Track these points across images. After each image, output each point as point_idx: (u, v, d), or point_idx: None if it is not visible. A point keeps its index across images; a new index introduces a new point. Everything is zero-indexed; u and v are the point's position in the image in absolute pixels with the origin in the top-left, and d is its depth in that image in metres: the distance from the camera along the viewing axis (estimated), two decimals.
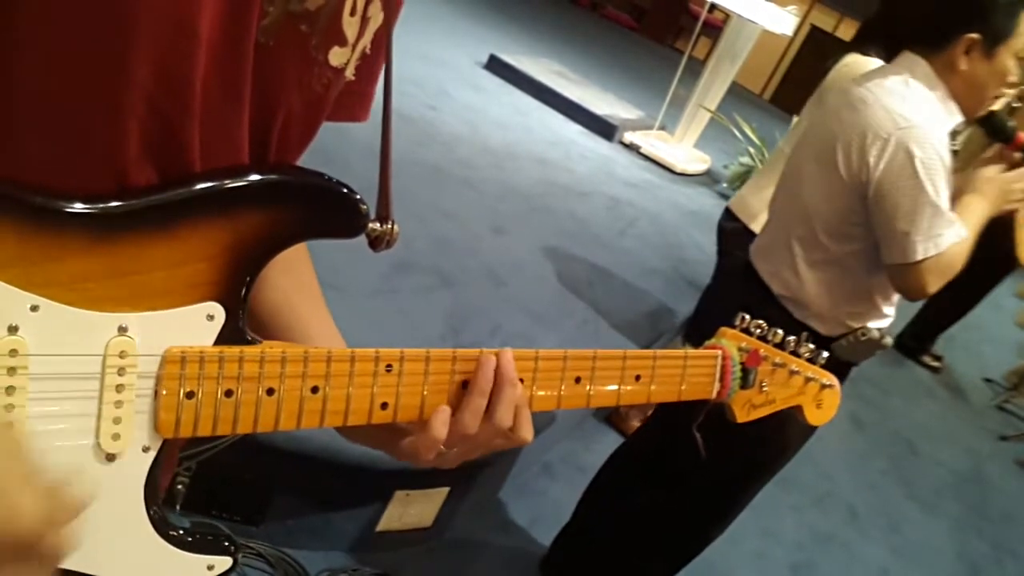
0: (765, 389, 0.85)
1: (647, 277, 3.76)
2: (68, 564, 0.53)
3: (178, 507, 1.68)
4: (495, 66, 6.27)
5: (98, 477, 0.54)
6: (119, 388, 0.53)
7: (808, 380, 0.88)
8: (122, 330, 0.52)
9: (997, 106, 1.61)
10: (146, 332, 0.53)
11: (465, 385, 0.65)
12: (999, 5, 1.49)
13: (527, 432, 0.66)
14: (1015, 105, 2.02)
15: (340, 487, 1.99)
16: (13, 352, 0.49)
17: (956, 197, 1.57)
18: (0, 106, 0.47)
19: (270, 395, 0.58)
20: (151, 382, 0.54)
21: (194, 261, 0.54)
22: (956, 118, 1.57)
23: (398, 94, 0.68)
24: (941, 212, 1.49)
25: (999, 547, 3.48)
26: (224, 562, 0.61)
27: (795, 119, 2.90)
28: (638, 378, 0.74)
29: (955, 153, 1.75)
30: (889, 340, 1.67)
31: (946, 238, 1.50)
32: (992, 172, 1.61)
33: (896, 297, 1.68)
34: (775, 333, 0.85)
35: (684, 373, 0.78)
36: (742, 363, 0.82)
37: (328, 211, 0.59)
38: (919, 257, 1.50)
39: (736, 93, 7.70)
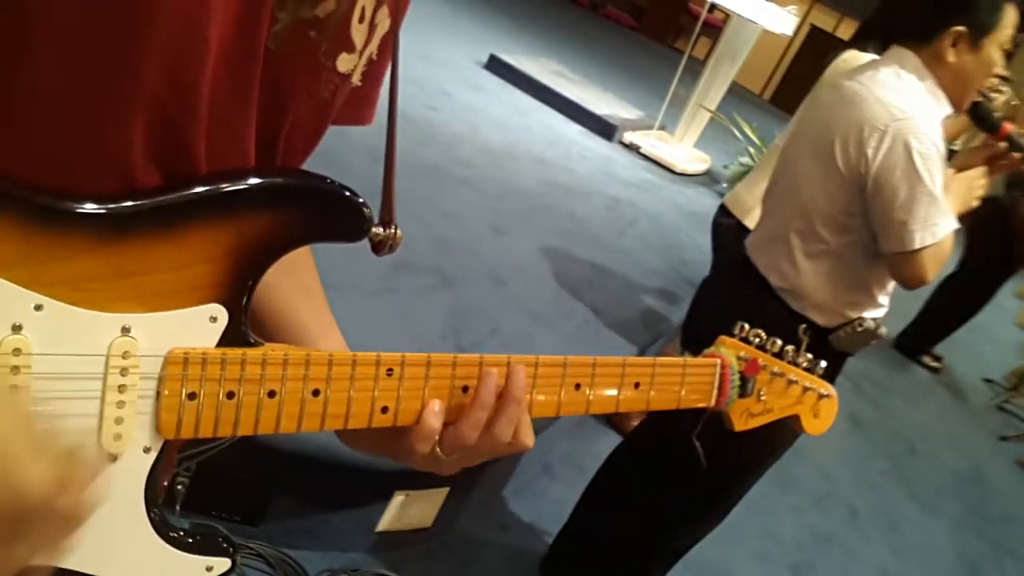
0: (763, 398, 0.85)
1: (647, 277, 3.76)
2: (68, 564, 0.54)
3: (178, 507, 1.68)
4: (495, 66, 6.28)
5: (99, 477, 0.54)
6: (121, 388, 0.53)
7: (806, 390, 0.88)
8: (125, 331, 0.52)
9: (995, 104, 1.65)
10: (149, 333, 0.53)
11: (466, 390, 0.65)
12: None
13: (528, 438, 0.67)
14: (1014, 102, 2.02)
15: (340, 487, 1.99)
16: (16, 351, 0.49)
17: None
18: (9, 106, 0.47)
19: (271, 397, 0.58)
20: (153, 383, 0.54)
21: (198, 263, 0.54)
22: (945, 109, 1.60)
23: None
24: (937, 202, 1.52)
25: (999, 547, 3.48)
26: (223, 563, 0.61)
27: None
28: (637, 385, 0.74)
29: (953, 152, 1.77)
30: (885, 330, 1.70)
31: (942, 227, 1.54)
32: (949, 175, 1.65)
33: (891, 288, 1.71)
34: (774, 342, 0.85)
35: (683, 381, 0.78)
36: (740, 372, 0.82)
37: (331, 215, 0.59)
38: (916, 246, 1.53)
39: (736, 93, 7.70)
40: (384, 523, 2.08)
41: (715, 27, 9.30)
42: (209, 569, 0.60)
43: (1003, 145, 1.65)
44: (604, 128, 5.90)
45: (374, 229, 0.62)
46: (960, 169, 1.69)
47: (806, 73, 2.04)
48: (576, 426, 2.83)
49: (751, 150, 5.53)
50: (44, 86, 0.47)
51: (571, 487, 2.23)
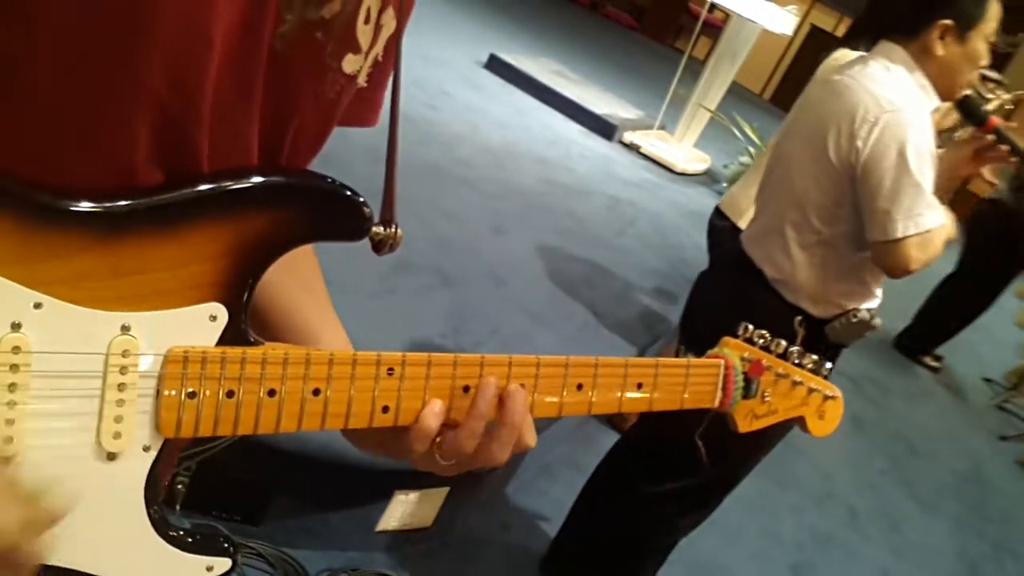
0: (768, 399, 0.85)
1: (647, 277, 3.76)
2: (67, 562, 0.54)
3: (178, 507, 1.68)
4: (495, 66, 6.28)
5: (98, 476, 0.54)
6: (121, 387, 0.53)
7: (811, 391, 0.87)
8: (125, 329, 0.52)
9: (990, 107, 1.67)
10: (149, 332, 0.53)
11: (467, 390, 0.65)
12: None
13: (530, 438, 0.67)
14: (1008, 107, 2.03)
15: (340, 487, 1.99)
16: (16, 349, 0.49)
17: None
18: (11, 105, 0.47)
19: (271, 396, 0.57)
20: (153, 382, 0.54)
21: (198, 262, 0.54)
22: (934, 101, 1.64)
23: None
24: (923, 193, 1.54)
25: (999, 547, 3.48)
26: (223, 563, 0.61)
27: None
28: (640, 386, 0.74)
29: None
30: (879, 321, 1.72)
31: (927, 219, 1.55)
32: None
33: (883, 277, 1.73)
34: (778, 343, 0.85)
35: (686, 382, 0.77)
36: (744, 373, 0.82)
37: (332, 214, 0.59)
38: (899, 235, 1.55)
39: (736, 93, 7.70)
40: (384, 523, 2.08)
41: (715, 27, 9.30)
42: (210, 569, 0.60)
43: (990, 138, 1.67)
44: (604, 128, 5.90)
45: (374, 228, 0.62)
46: (949, 164, 1.72)
47: (806, 73, 2.04)
48: (576, 427, 2.83)
49: (751, 150, 5.53)
50: (46, 85, 0.47)
51: (571, 487, 2.23)
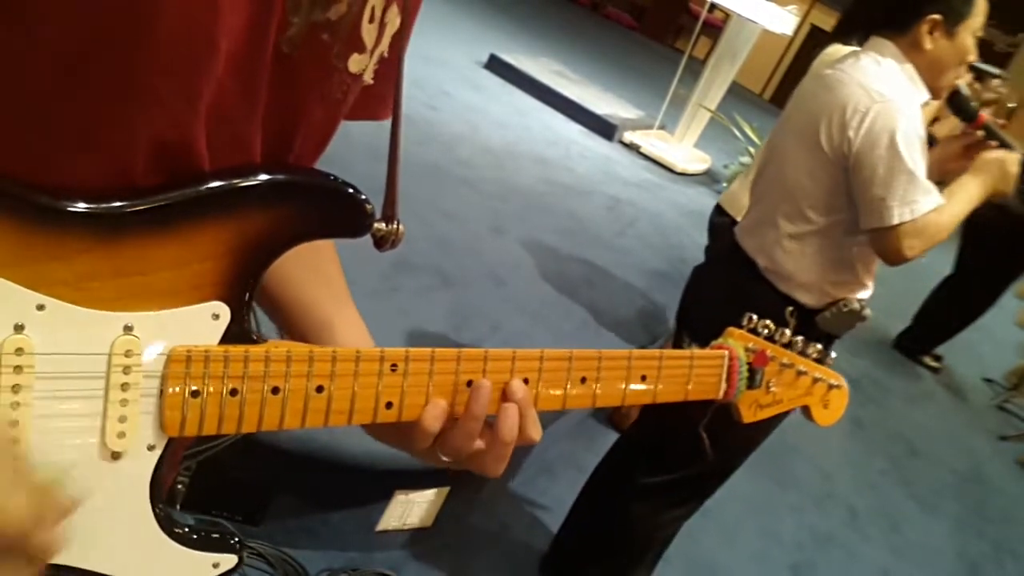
0: (772, 389, 0.85)
1: (647, 277, 3.76)
2: (75, 561, 0.54)
3: (178, 507, 1.68)
4: (495, 66, 6.28)
5: (103, 475, 0.54)
6: (124, 387, 0.53)
7: (816, 380, 0.88)
8: (128, 329, 0.52)
9: (990, 110, 1.69)
10: (151, 331, 0.53)
11: (470, 384, 0.65)
12: None
13: (535, 432, 0.66)
14: (1011, 104, 2.04)
15: (340, 487, 1.99)
16: (19, 351, 0.49)
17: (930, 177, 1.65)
18: (11, 106, 0.47)
19: (275, 394, 0.58)
20: (156, 381, 0.54)
21: (199, 261, 0.54)
22: (923, 94, 1.67)
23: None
24: (916, 179, 1.57)
25: (999, 547, 3.48)
26: (229, 560, 0.61)
27: None
28: (644, 378, 0.74)
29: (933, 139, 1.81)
30: (870, 312, 1.74)
31: (922, 204, 1.57)
32: (995, 154, 1.69)
33: (875, 268, 1.75)
34: (782, 333, 0.85)
35: (691, 373, 0.77)
36: (749, 363, 0.82)
37: (333, 211, 0.59)
38: (895, 221, 1.57)
39: (736, 93, 7.70)
40: (384, 523, 2.08)
41: (715, 27, 9.30)
42: (215, 566, 0.60)
43: (980, 134, 1.70)
44: (604, 128, 5.90)
45: (376, 224, 0.62)
46: (939, 158, 1.75)
47: (806, 73, 2.05)
48: (576, 426, 2.83)
49: (751, 150, 5.53)
50: (46, 86, 0.47)
51: (571, 486, 2.23)
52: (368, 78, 0.63)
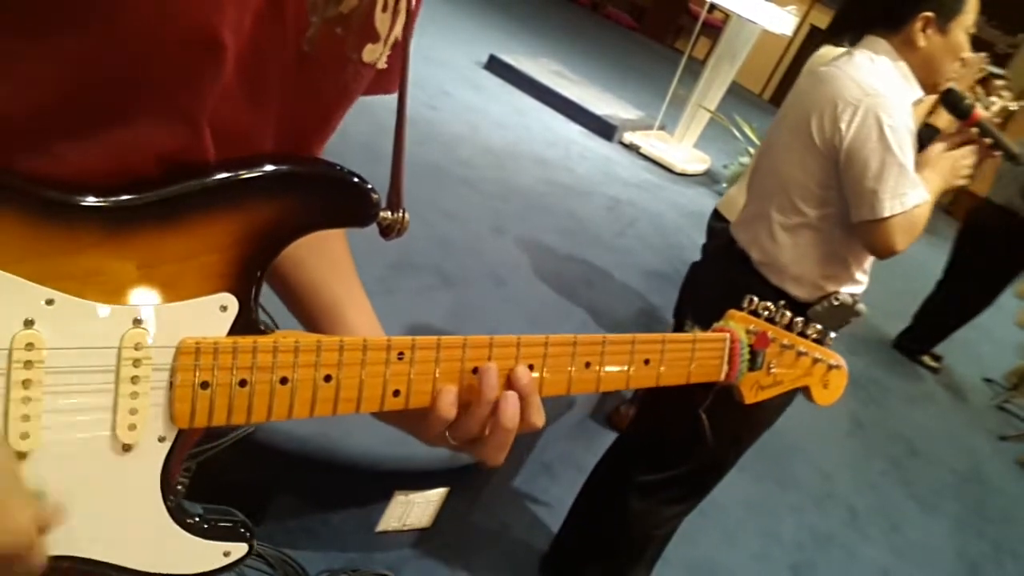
0: (773, 371, 0.86)
1: (646, 277, 3.76)
2: (88, 553, 0.54)
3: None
4: (495, 66, 6.28)
5: (115, 468, 0.54)
6: (134, 380, 0.53)
7: (816, 361, 0.89)
8: (137, 322, 0.53)
9: (994, 108, 1.69)
10: (160, 324, 0.54)
11: (476, 371, 0.65)
12: None
13: (538, 418, 0.67)
14: (1012, 107, 2.04)
15: (340, 487, 1.99)
16: (30, 346, 0.49)
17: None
18: (21, 105, 0.48)
19: (284, 384, 0.58)
20: (166, 373, 0.54)
21: (207, 253, 0.55)
22: (916, 91, 1.68)
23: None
24: (906, 172, 1.58)
25: (999, 547, 3.48)
26: (240, 548, 0.62)
27: None
28: (647, 362, 0.74)
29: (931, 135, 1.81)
30: (863, 307, 1.74)
31: (911, 197, 1.59)
32: (940, 148, 1.72)
33: (869, 265, 1.76)
34: (783, 315, 0.86)
35: (693, 356, 0.78)
36: (750, 345, 0.82)
37: (340, 200, 0.59)
38: (886, 214, 1.58)
39: (736, 93, 7.71)
40: (384, 523, 2.08)
41: (715, 27, 9.30)
42: (227, 554, 0.61)
43: (974, 131, 1.70)
44: (604, 128, 5.90)
45: (382, 213, 0.62)
46: (933, 155, 1.75)
47: None
48: (576, 426, 2.83)
49: (751, 150, 5.53)
50: (54, 82, 0.47)
51: (571, 486, 2.23)
52: (381, 65, 0.63)
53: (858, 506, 3.31)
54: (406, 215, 0.64)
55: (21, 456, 0.50)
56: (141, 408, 0.54)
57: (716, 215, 2.71)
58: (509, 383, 0.66)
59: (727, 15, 6.15)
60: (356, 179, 0.59)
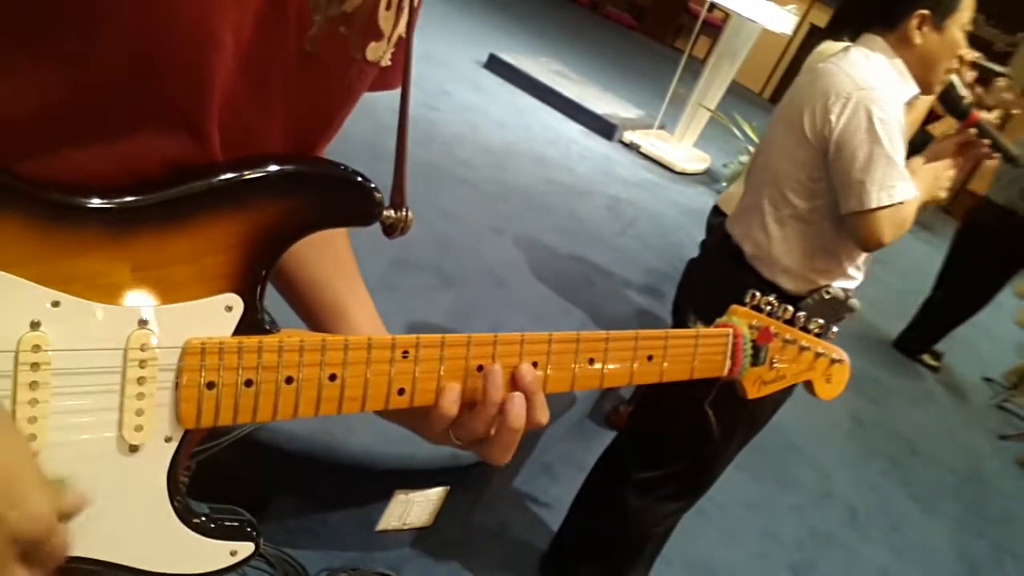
0: (776, 365, 0.86)
1: (647, 276, 3.76)
2: (96, 553, 0.54)
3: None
4: (495, 66, 6.27)
5: (122, 468, 0.54)
6: (140, 381, 0.53)
7: (818, 355, 0.89)
8: (142, 323, 0.53)
9: (994, 114, 1.70)
10: (166, 325, 0.54)
11: (481, 369, 0.65)
12: None
13: (542, 416, 0.67)
14: (1015, 111, 2.04)
15: (340, 487, 1.98)
16: (36, 348, 0.49)
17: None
18: (23, 106, 0.48)
19: (289, 383, 0.58)
20: (172, 374, 0.55)
21: (212, 253, 0.55)
22: (912, 89, 1.69)
23: (398, 94, 0.68)
24: (895, 165, 1.59)
25: (999, 547, 3.48)
26: (247, 547, 0.62)
27: None
28: (650, 358, 0.75)
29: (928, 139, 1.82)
30: (856, 302, 1.74)
31: (899, 190, 1.60)
32: (918, 163, 1.73)
33: (862, 260, 1.76)
34: (785, 310, 0.86)
35: (696, 352, 0.78)
36: (753, 341, 0.83)
37: (344, 200, 0.60)
38: (873, 205, 1.59)
39: (736, 92, 7.70)
40: (384, 523, 2.08)
41: (715, 26, 9.30)
42: (233, 553, 0.61)
43: (973, 131, 1.70)
44: (604, 127, 5.89)
45: (385, 212, 0.62)
46: (932, 157, 1.76)
47: None
48: (576, 426, 2.83)
49: (751, 149, 5.53)
50: (55, 84, 0.48)
51: (571, 486, 2.23)
52: (385, 63, 0.63)
53: (858, 506, 3.31)
54: (409, 214, 0.64)
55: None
56: (147, 409, 0.54)
57: (716, 211, 2.71)
58: (513, 380, 0.66)
59: (727, 14, 6.15)
60: (360, 178, 0.59)
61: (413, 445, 1.61)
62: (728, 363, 0.81)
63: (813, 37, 12.76)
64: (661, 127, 6.39)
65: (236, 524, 0.62)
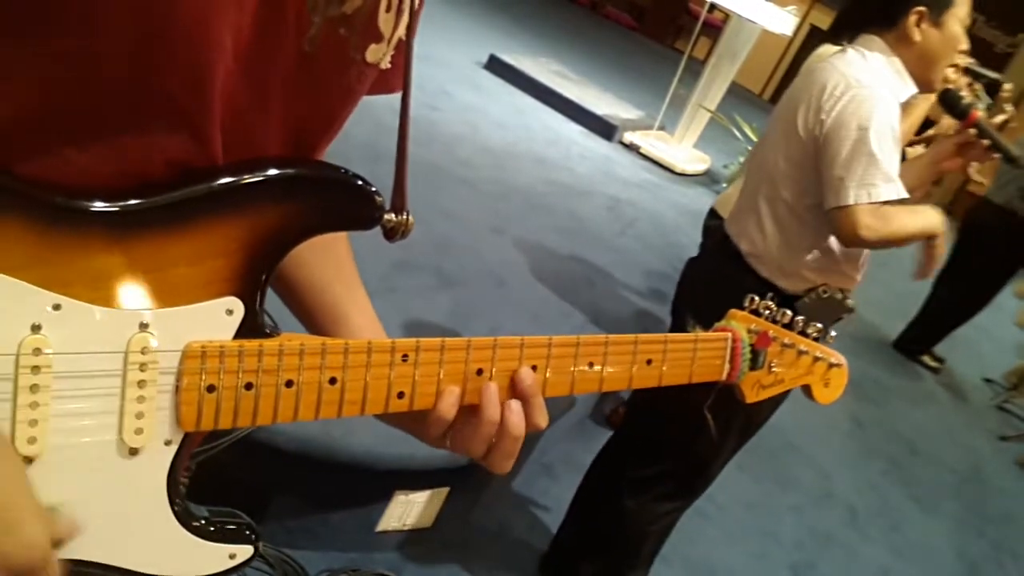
0: (774, 370, 0.86)
1: (647, 277, 3.76)
2: (95, 557, 0.54)
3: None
4: (495, 66, 6.28)
5: (122, 471, 0.54)
6: (141, 384, 0.53)
7: (816, 360, 0.89)
8: (143, 327, 0.53)
9: (998, 119, 1.70)
10: (166, 328, 0.54)
11: (480, 373, 0.65)
12: None
13: (541, 419, 0.67)
14: (1013, 125, 2.04)
15: (340, 487, 1.99)
16: (37, 351, 0.49)
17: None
18: (23, 106, 0.48)
19: (289, 387, 0.58)
20: (172, 377, 0.55)
21: (213, 257, 0.55)
22: (910, 88, 1.69)
23: (398, 94, 0.68)
24: (878, 164, 1.58)
25: (999, 547, 3.48)
26: (246, 551, 0.62)
27: None
28: (649, 362, 0.75)
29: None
30: (853, 303, 1.74)
31: (881, 190, 1.58)
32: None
33: (863, 260, 1.76)
34: (783, 314, 0.86)
35: (695, 356, 0.79)
36: (752, 345, 0.83)
37: (344, 204, 0.60)
38: (850, 201, 1.58)
39: (736, 93, 7.70)
40: (384, 523, 2.08)
41: (715, 27, 9.30)
42: (232, 556, 0.61)
43: (972, 132, 1.70)
44: (604, 128, 5.90)
45: (386, 216, 0.62)
46: (933, 158, 1.77)
47: None
48: (575, 426, 2.83)
49: (751, 150, 5.53)
50: (55, 84, 0.48)
51: (571, 486, 2.23)
52: (385, 65, 0.63)
53: (858, 506, 3.31)
54: (410, 218, 0.64)
55: (28, 461, 0.50)
56: (148, 412, 0.54)
57: (712, 214, 2.72)
58: (513, 384, 0.66)
59: (727, 15, 6.15)
60: (360, 182, 0.59)
61: (413, 445, 1.61)
62: (727, 367, 0.82)
63: (813, 38, 12.77)
64: (661, 128, 6.39)
65: (235, 527, 0.62)
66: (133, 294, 0.52)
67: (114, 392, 0.53)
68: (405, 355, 0.62)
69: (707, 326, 0.84)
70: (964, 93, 1.70)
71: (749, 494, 2.99)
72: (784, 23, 5.65)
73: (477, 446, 0.65)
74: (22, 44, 0.46)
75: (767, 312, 0.85)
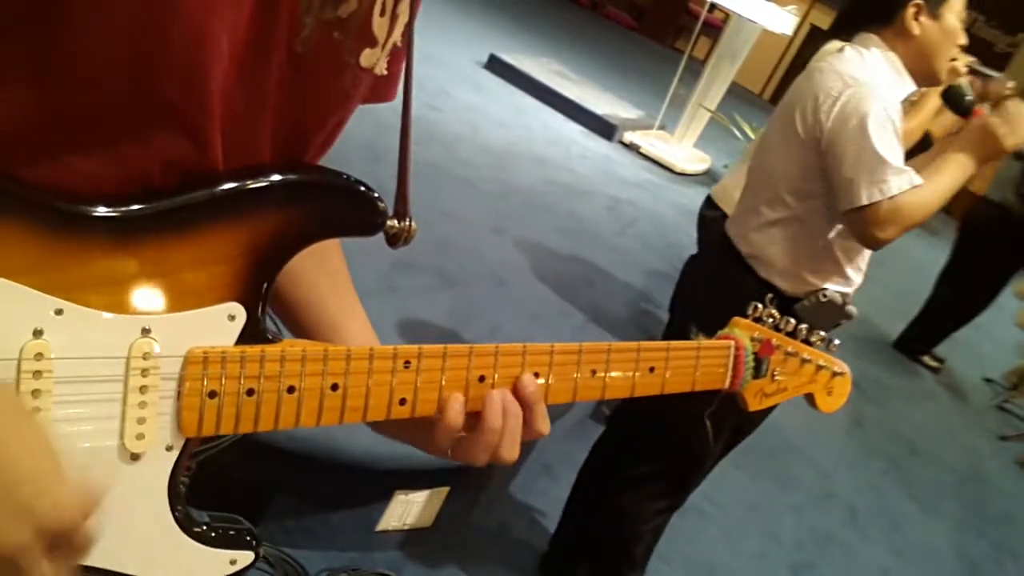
0: (777, 378, 0.86)
1: (647, 277, 3.76)
2: (96, 562, 0.54)
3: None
4: (495, 66, 6.27)
5: (123, 477, 0.54)
6: (143, 389, 0.53)
7: (819, 368, 0.89)
8: (145, 332, 0.53)
9: (995, 114, 1.70)
10: (168, 333, 0.54)
11: (482, 379, 0.65)
12: None
13: (543, 426, 0.68)
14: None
15: (340, 487, 1.99)
16: (39, 356, 0.49)
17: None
18: (24, 111, 0.48)
19: (291, 393, 0.58)
20: (174, 383, 0.55)
21: (215, 263, 0.55)
22: (908, 84, 1.69)
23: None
24: (885, 161, 1.57)
25: (999, 547, 3.48)
26: (246, 556, 0.62)
27: None
28: (652, 369, 0.75)
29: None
30: (853, 309, 1.73)
31: (892, 184, 1.57)
32: (923, 161, 1.70)
33: (861, 261, 1.75)
34: (787, 321, 0.86)
35: (698, 364, 0.78)
36: (755, 353, 0.83)
37: (347, 210, 0.60)
38: (864, 202, 1.58)
39: (736, 93, 7.70)
40: (384, 523, 2.08)
41: (715, 27, 9.30)
42: (233, 562, 0.61)
43: None
44: (604, 128, 5.89)
45: (389, 222, 0.62)
46: (934, 152, 1.77)
47: None
48: (576, 426, 2.83)
49: (750, 150, 5.52)
50: (56, 88, 0.48)
51: (571, 487, 2.23)
52: (380, 71, 0.63)
53: (858, 506, 3.31)
54: (413, 223, 0.64)
55: None
56: (149, 417, 0.54)
57: (708, 203, 2.71)
58: (515, 390, 0.66)
59: (727, 15, 6.15)
60: (363, 188, 0.59)
61: None
62: (730, 375, 0.81)
63: (813, 38, 12.76)
64: (661, 128, 6.39)
65: (236, 533, 0.62)
66: (135, 299, 0.52)
67: (116, 397, 0.53)
68: (407, 361, 0.62)
69: (706, 327, 0.84)
70: (967, 91, 1.70)
71: (749, 494, 2.99)
72: (784, 23, 5.64)
73: (480, 454, 0.65)
74: (20, 49, 0.46)
75: (770, 320, 0.85)
